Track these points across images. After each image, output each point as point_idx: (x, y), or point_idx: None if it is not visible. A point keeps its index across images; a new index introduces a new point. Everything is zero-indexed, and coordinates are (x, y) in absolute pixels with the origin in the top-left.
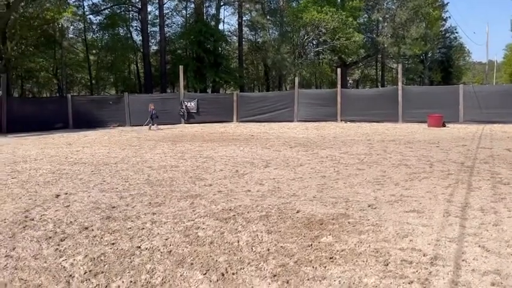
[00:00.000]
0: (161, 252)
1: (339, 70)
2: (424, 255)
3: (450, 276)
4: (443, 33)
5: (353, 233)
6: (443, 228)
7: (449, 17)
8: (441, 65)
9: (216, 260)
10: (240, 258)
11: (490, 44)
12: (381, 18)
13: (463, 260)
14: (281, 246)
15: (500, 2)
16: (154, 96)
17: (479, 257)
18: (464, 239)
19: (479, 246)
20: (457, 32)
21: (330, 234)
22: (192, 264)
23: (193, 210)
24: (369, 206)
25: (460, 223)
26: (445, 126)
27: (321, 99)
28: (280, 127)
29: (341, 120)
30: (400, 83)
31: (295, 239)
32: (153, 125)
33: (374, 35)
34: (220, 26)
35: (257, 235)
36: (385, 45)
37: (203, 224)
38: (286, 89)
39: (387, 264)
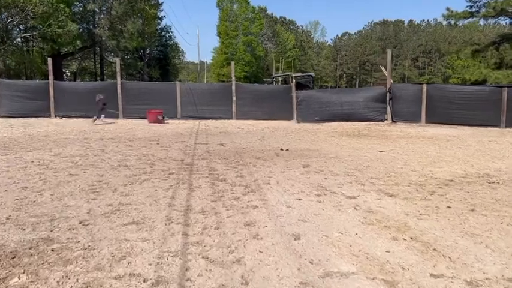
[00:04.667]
0: None
1: (49, 60)
2: (144, 281)
3: None
4: (159, 31)
5: (57, 265)
6: (166, 241)
7: (165, 16)
8: (159, 62)
9: None
10: None
11: (201, 46)
12: (97, 10)
13: (187, 280)
14: None
15: (210, 8)
16: None
17: (203, 272)
18: (188, 251)
19: (203, 257)
20: (172, 32)
21: (24, 272)
22: None
23: None
24: (80, 223)
25: (183, 231)
26: (164, 122)
27: (30, 92)
28: None
29: (56, 116)
30: (118, 78)
31: None
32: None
33: (91, 26)
34: None
35: None
36: (103, 38)
37: None
38: None
39: None
